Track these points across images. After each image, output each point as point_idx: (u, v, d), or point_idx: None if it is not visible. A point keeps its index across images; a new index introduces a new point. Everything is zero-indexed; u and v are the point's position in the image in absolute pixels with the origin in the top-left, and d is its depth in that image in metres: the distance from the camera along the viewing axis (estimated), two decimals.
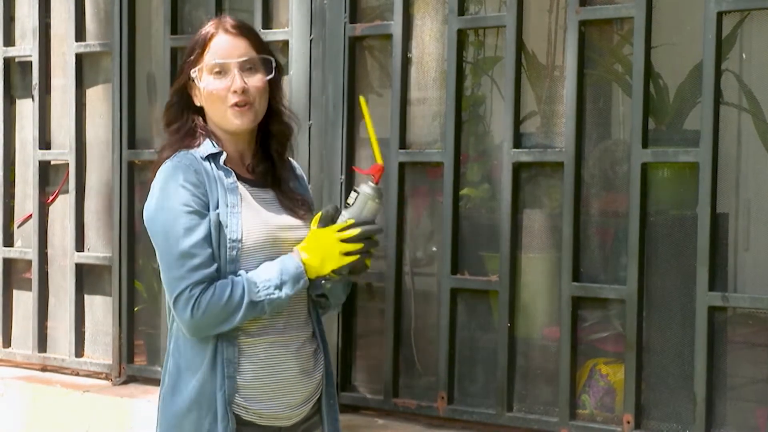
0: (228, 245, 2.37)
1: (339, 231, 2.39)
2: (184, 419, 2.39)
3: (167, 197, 2.37)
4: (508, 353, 3.24)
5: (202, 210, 2.37)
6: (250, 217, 2.41)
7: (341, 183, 3.53)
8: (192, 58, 2.46)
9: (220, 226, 2.37)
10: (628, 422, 3.05)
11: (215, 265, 2.36)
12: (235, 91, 2.41)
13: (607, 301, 3.13)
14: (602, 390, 3.16)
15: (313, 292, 2.54)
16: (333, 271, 2.42)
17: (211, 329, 2.36)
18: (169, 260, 2.36)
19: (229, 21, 2.47)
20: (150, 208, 2.41)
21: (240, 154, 2.51)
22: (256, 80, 2.44)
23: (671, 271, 3.05)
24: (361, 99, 2.60)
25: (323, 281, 2.52)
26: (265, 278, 2.36)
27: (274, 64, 2.49)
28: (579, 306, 3.15)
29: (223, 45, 2.43)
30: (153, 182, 2.43)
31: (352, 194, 2.43)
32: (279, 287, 2.36)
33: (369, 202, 2.41)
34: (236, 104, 2.42)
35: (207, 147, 2.44)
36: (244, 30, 2.47)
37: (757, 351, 3.04)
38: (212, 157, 2.43)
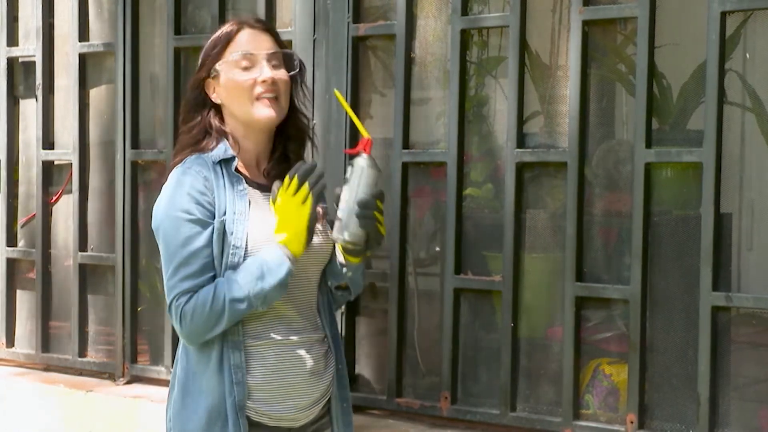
0: (230, 252, 2.35)
1: (290, 194, 2.34)
2: (197, 427, 2.38)
3: (173, 205, 2.36)
4: (511, 353, 3.24)
5: (205, 219, 2.34)
6: (257, 224, 2.38)
7: None
8: (215, 51, 2.43)
9: (224, 233, 2.35)
10: (632, 422, 3.05)
11: (209, 275, 2.34)
12: (264, 81, 2.39)
13: (610, 301, 3.13)
14: (606, 390, 3.16)
15: (333, 282, 2.53)
16: (348, 242, 2.39)
17: (203, 335, 2.34)
18: (167, 268, 2.36)
19: (250, 17, 2.47)
20: (157, 215, 2.40)
21: (257, 157, 2.48)
22: (282, 74, 2.43)
23: (675, 271, 3.05)
24: (336, 92, 2.62)
25: (343, 269, 2.51)
26: (246, 272, 2.32)
27: (297, 60, 2.48)
28: (582, 306, 3.15)
29: (250, 38, 2.42)
30: (163, 186, 2.42)
31: (348, 169, 2.43)
32: (261, 278, 2.31)
33: (366, 170, 2.41)
34: (263, 95, 2.39)
35: (220, 151, 2.41)
36: (268, 25, 2.48)
37: (761, 351, 3.04)
38: (224, 163, 2.41)
